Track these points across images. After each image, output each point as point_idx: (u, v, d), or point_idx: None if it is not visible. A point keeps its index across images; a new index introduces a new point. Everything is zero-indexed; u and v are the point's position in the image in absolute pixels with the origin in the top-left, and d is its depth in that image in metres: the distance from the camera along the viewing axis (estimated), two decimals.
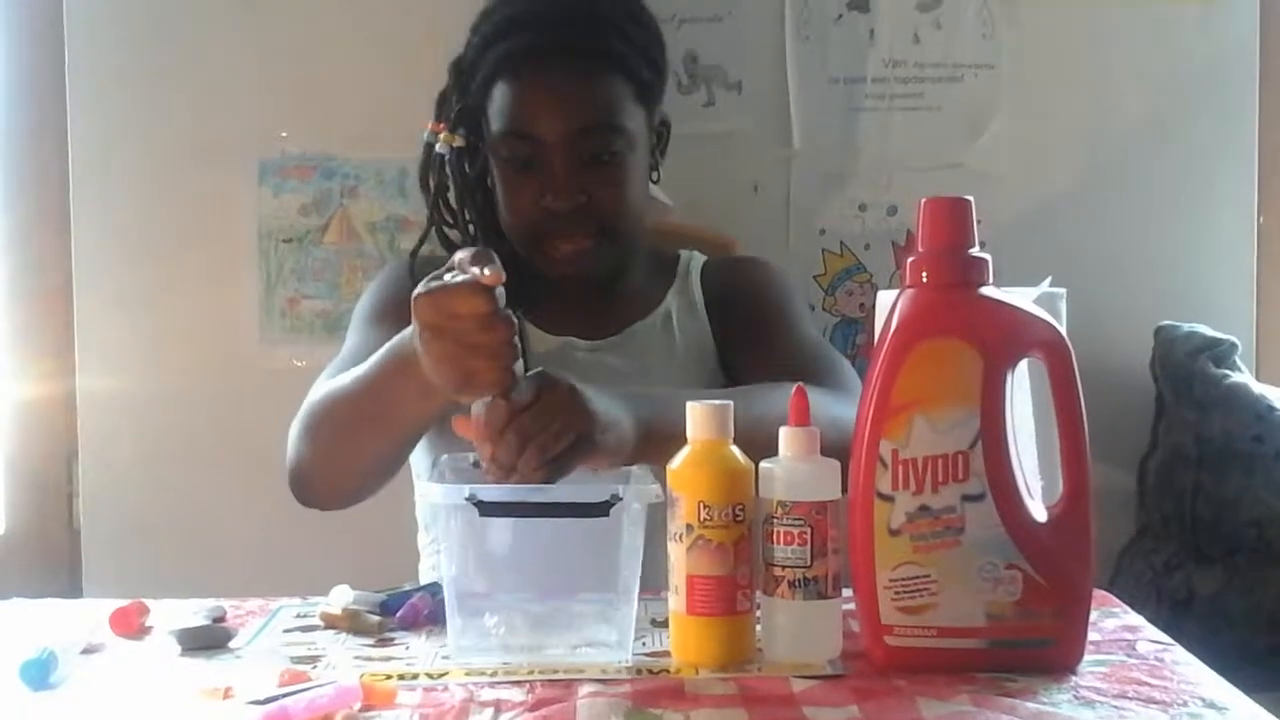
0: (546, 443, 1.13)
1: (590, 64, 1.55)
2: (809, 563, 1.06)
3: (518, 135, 1.54)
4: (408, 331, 1.20)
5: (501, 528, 1.10)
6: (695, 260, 1.72)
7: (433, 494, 1.10)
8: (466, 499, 1.07)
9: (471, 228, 1.60)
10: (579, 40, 1.54)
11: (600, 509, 1.07)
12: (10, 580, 2.12)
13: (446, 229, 1.61)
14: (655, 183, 1.65)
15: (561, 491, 1.11)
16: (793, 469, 1.08)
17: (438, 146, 1.59)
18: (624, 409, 1.23)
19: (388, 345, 1.28)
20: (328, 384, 1.41)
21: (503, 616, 1.13)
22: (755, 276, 1.70)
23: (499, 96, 1.55)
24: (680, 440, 1.10)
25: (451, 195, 1.61)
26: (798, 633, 1.08)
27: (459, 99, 1.60)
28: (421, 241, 1.61)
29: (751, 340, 1.60)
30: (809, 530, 1.06)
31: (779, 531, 1.07)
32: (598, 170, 1.54)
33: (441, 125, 1.60)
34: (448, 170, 1.59)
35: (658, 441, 1.19)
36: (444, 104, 1.61)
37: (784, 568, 1.07)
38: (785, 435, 1.09)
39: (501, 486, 1.13)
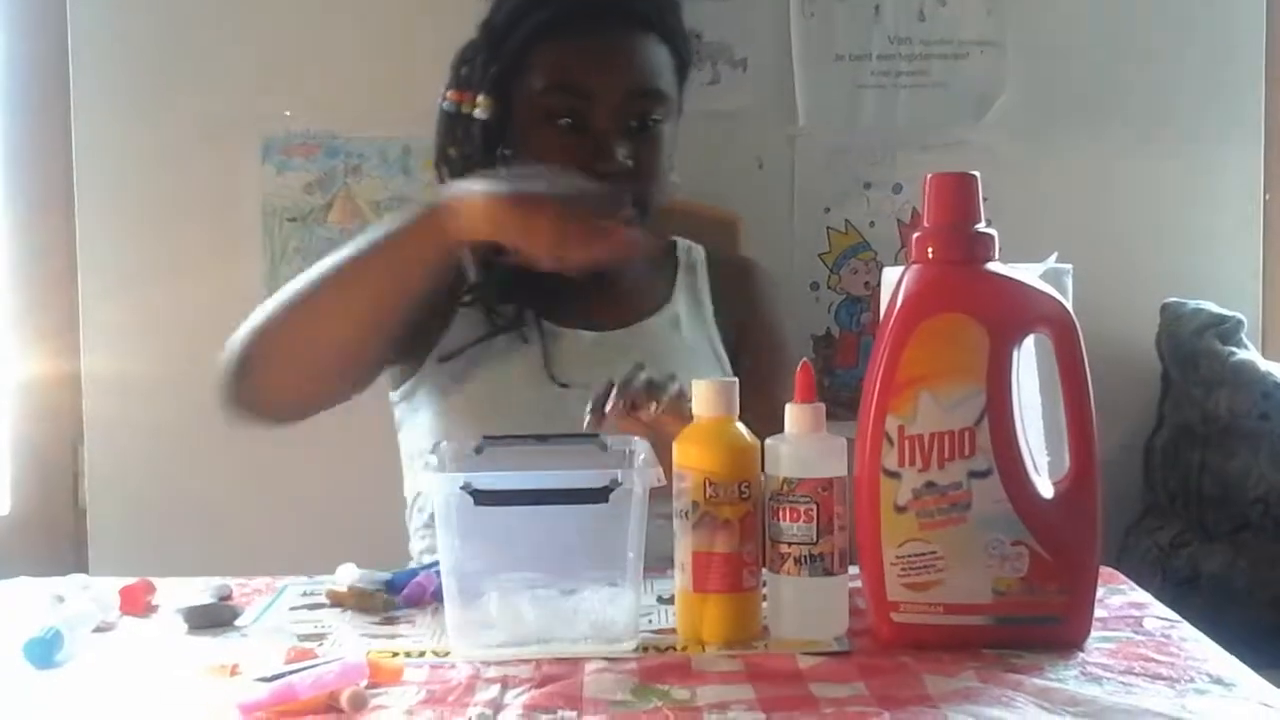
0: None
1: (643, 29, 1.55)
2: (815, 540, 1.06)
3: (567, 90, 1.52)
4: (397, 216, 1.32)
5: (501, 515, 1.08)
6: (696, 254, 1.72)
7: (429, 483, 1.08)
8: (461, 488, 1.05)
9: None
10: (632, 4, 1.55)
11: (599, 494, 1.05)
12: (17, 561, 2.12)
13: None
14: (670, 168, 1.65)
15: (560, 478, 1.10)
16: (799, 445, 1.08)
17: (476, 112, 1.56)
18: None
19: (369, 233, 1.37)
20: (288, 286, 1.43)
21: (504, 608, 1.12)
22: (761, 297, 1.73)
23: (546, 54, 1.53)
24: None
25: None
26: (804, 609, 1.09)
27: (490, 61, 1.57)
28: None
29: (750, 366, 1.62)
30: (815, 507, 1.06)
31: (785, 508, 1.07)
32: (641, 136, 1.54)
33: (465, 93, 1.58)
34: (473, 138, 1.57)
35: None
36: (466, 69, 1.59)
37: (790, 544, 1.07)
38: (791, 411, 1.09)
39: (497, 474, 1.11)
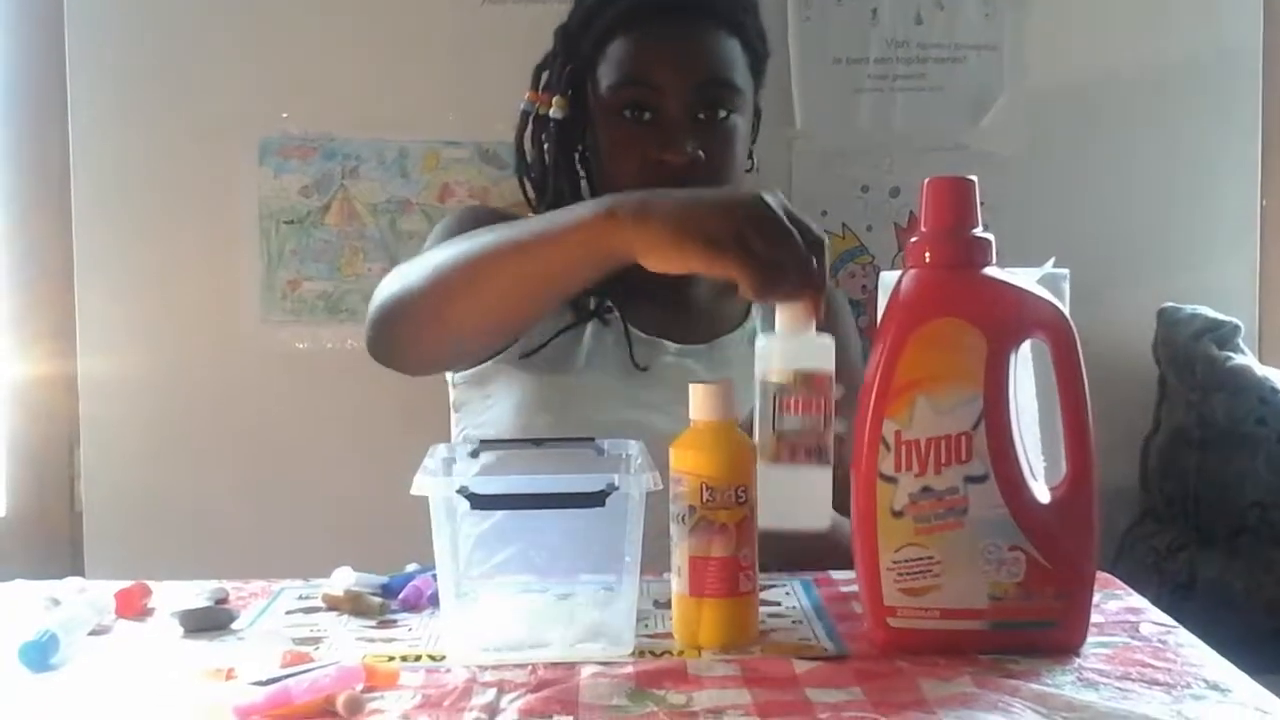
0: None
1: (711, 22, 1.57)
2: (822, 429, 1.08)
3: (636, 83, 1.55)
4: (604, 201, 1.19)
5: (497, 519, 1.07)
6: None
7: (423, 487, 1.07)
8: (458, 491, 1.05)
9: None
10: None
11: (595, 499, 1.05)
12: (12, 563, 2.11)
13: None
14: (750, 170, 1.66)
15: (556, 482, 1.08)
16: (806, 342, 1.10)
17: (552, 112, 1.60)
18: None
19: (534, 221, 1.27)
20: (470, 238, 1.31)
21: (500, 612, 1.12)
22: (836, 321, 1.69)
23: (616, 50, 1.56)
24: None
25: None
26: (808, 498, 1.10)
27: (566, 62, 1.60)
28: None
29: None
30: (822, 400, 1.08)
31: (798, 399, 1.08)
32: (712, 128, 1.56)
33: (541, 94, 1.61)
34: (550, 137, 1.60)
35: None
36: (546, 72, 1.62)
37: (802, 434, 1.08)
38: (789, 310, 1.11)
39: (493, 478, 1.10)
